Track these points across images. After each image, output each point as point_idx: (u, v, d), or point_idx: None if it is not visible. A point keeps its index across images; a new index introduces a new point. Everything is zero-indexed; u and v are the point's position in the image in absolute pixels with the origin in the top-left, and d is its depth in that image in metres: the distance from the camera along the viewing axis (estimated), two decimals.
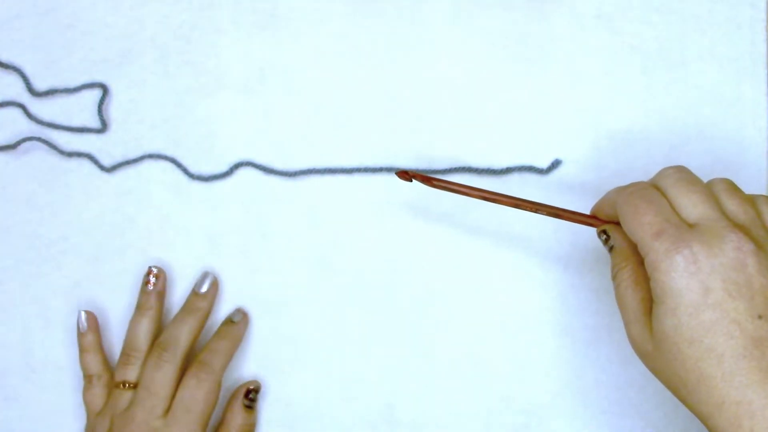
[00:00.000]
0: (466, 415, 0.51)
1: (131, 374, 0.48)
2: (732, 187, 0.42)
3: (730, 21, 0.52)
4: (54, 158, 0.53)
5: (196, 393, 0.47)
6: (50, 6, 0.53)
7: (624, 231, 0.41)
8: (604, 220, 0.44)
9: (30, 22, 0.53)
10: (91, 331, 0.50)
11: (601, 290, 0.50)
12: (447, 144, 0.52)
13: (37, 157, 0.53)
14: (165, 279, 0.51)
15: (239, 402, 0.49)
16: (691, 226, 0.39)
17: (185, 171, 0.52)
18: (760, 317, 0.37)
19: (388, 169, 0.52)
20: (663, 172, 0.42)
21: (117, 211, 0.52)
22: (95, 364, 0.50)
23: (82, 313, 0.50)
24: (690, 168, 0.51)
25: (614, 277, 0.42)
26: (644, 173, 0.51)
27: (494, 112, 0.52)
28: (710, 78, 0.52)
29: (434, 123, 0.52)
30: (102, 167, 0.52)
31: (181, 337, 0.48)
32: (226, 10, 0.53)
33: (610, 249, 0.43)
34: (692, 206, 0.40)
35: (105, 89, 0.53)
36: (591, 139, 0.52)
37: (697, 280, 0.38)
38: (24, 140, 0.52)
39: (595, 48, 0.52)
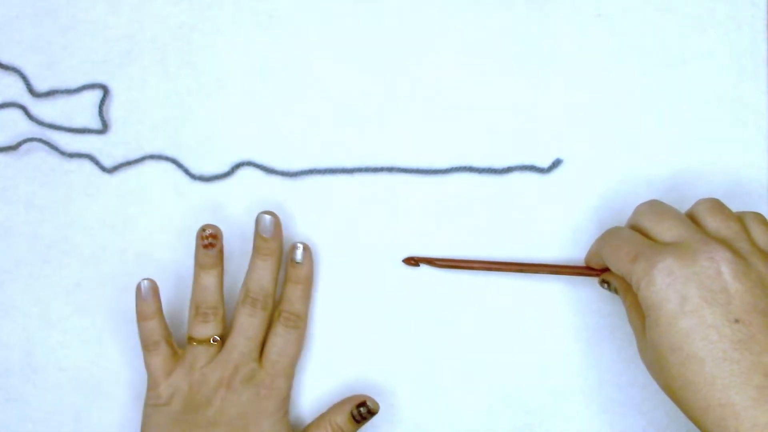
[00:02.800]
0: (468, 414, 0.51)
1: (214, 330, 0.48)
2: (716, 206, 0.44)
3: (731, 20, 0.52)
4: (55, 159, 0.53)
5: (288, 339, 0.48)
6: (50, 7, 0.53)
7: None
8: (598, 270, 0.48)
9: (30, 23, 0.53)
10: (153, 299, 0.49)
11: (603, 290, 0.50)
12: (447, 143, 0.52)
13: (38, 158, 0.53)
14: (222, 236, 0.49)
15: (348, 407, 0.48)
16: (667, 246, 0.42)
17: (186, 171, 0.52)
18: (737, 321, 0.39)
19: (389, 169, 0.52)
20: (636, 210, 0.45)
21: (118, 211, 0.52)
22: (159, 330, 0.49)
23: (144, 283, 0.49)
24: (690, 168, 0.51)
25: (624, 308, 0.45)
26: (644, 173, 0.51)
27: (495, 111, 0.52)
28: (710, 78, 0.52)
29: (435, 123, 0.52)
30: (103, 168, 0.52)
31: (267, 284, 0.49)
32: (226, 10, 0.53)
33: (615, 291, 0.46)
34: (667, 230, 0.42)
35: (105, 90, 0.53)
36: (591, 139, 0.52)
37: (673, 290, 0.40)
38: (24, 141, 0.52)
39: (595, 48, 0.52)
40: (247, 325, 0.48)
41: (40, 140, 0.52)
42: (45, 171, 0.53)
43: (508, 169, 0.51)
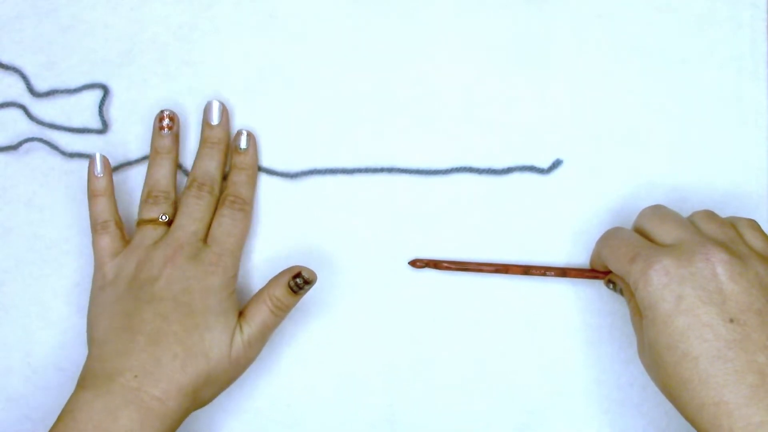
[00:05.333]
0: (467, 414, 0.51)
1: (163, 211, 0.49)
2: (711, 215, 0.45)
3: (731, 20, 0.52)
4: (55, 159, 0.53)
5: (232, 221, 0.49)
6: (51, 7, 0.53)
7: None
8: (603, 272, 0.48)
9: (30, 23, 0.53)
10: (105, 175, 0.50)
11: (603, 290, 0.50)
12: (447, 144, 0.52)
13: (38, 157, 0.53)
14: (179, 121, 0.51)
15: (285, 279, 0.47)
16: (665, 247, 0.42)
17: (186, 172, 0.52)
18: (732, 321, 0.39)
19: (389, 170, 0.52)
20: (641, 213, 0.46)
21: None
22: (109, 209, 0.49)
23: (98, 155, 0.50)
24: (690, 168, 0.51)
25: (629, 308, 0.45)
26: (644, 173, 0.51)
27: (495, 111, 0.52)
28: (710, 78, 0.52)
29: (435, 123, 0.52)
30: None
31: (214, 171, 0.50)
32: (226, 11, 0.53)
33: (621, 292, 0.47)
34: (667, 233, 0.43)
35: (105, 90, 0.53)
36: (591, 139, 0.52)
37: (669, 290, 0.40)
38: (25, 141, 0.52)
39: (596, 48, 0.52)
40: (193, 206, 0.49)
41: (40, 140, 0.52)
42: (45, 171, 0.53)
43: (508, 170, 0.51)
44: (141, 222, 0.49)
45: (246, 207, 0.49)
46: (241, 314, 0.48)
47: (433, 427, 0.51)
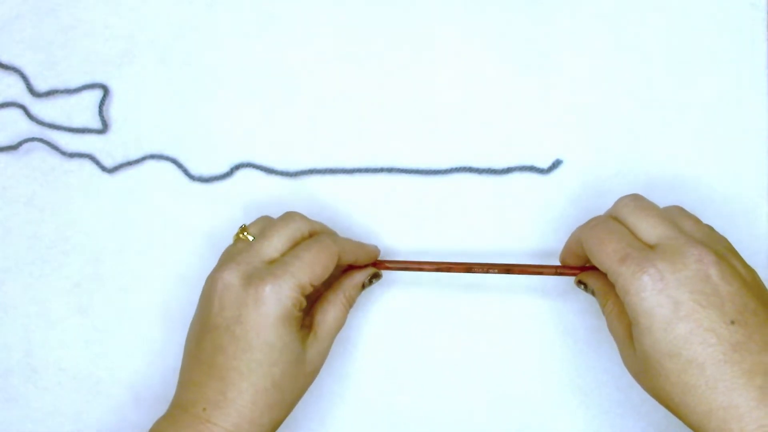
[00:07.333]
0: (467, 415, 0.51)
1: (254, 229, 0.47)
2: (683, 210, 0.44)
3: (731, 20, 0.52)
4: (55, 159, 0.53)
5: (312, 246, 0.44)
6: (51, 7, 0.53)
7: (597, 273, 0.45)
8: (574, 270, 0.47)
9: (31, 23, 0.53)
10: None
11: None
12: (447, 144, 0.52)
13: (38, 157, 0.53)
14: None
15: (361, 279, 0.47)
16: (652, 247, 0.41)
17: (186, 172, 0.52)
18: (733, 323, 0.39)
19: (389, 170, 0.52)
20: (619, 202, 0.44)
21: (117, 211, 0.52)
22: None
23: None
24: (690, 169, 0.51)
25: (604, 314, 0.45)
26: (645, 173, 0.51)
27: (495, 111, 0.52)
28: (710, 78, 0.52)
29: (435, 123, 0.52)
30: (103, 168, 0.52)
31: (327, 230, 0.48)
32: (226, 10, 0.53)
33: (592, 293, 0.46)
34: (651, 228, 0.42)
35: (105, 90, 0.53)
36: (591, 139, 0.52)
37: (665, 296, 0.39)
38: (25, 141, 0.52)
39: (596, 48, 0.52)
40: (271, 226, 0.46)
41: (40, 140, 0.52)
42: (45, 171, 0.53)
43: (508, 170, 0.51)
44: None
45: (334, 246, 0.45)
46: (309, 315, 0.46)
47: (434, 427, 0.51)
